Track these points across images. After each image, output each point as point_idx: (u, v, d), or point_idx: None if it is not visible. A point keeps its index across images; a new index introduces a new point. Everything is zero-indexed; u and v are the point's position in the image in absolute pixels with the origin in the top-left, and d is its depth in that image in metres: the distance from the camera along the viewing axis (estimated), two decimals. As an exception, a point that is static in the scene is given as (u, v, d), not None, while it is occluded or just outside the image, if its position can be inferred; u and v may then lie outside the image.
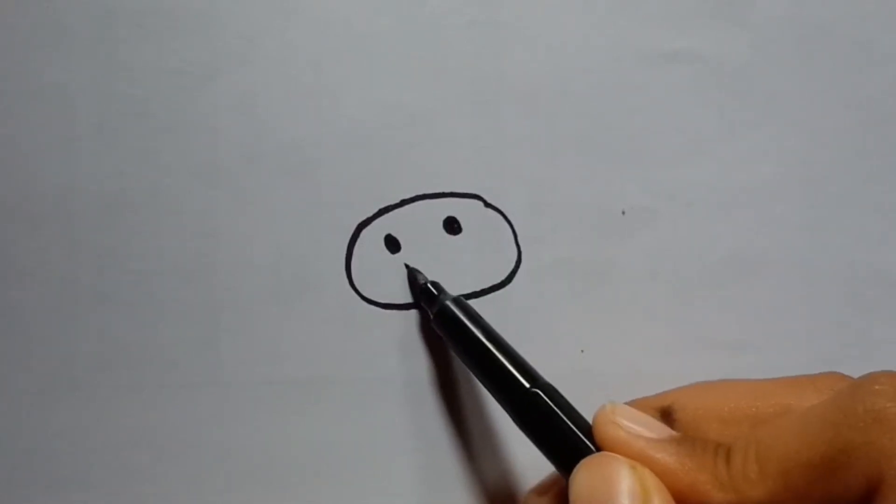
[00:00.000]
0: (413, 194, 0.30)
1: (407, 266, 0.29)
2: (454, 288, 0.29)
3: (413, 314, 0.29)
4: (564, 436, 0.24)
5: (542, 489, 0.27)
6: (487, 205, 0.30)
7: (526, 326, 0.30)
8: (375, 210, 0.29)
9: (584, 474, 0.22)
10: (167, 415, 0.29)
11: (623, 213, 0.30)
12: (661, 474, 0.21)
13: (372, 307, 0.29)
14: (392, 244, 0.29)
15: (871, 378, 0.21)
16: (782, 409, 0.23)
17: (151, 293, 0.29)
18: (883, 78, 0.32)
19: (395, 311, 0.29)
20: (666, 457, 0.22)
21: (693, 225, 0.31)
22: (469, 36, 0.30)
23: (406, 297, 0.29)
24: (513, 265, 0.30)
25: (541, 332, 0.30)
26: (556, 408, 0.24)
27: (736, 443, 0.21)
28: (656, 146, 0.31)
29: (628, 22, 0.31)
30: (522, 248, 0.30)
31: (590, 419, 0.24)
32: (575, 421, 0.24)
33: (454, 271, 0.30)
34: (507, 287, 0.30)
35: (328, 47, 0.29)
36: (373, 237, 0.29)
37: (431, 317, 0.28)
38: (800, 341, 0.31)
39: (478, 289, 0.30)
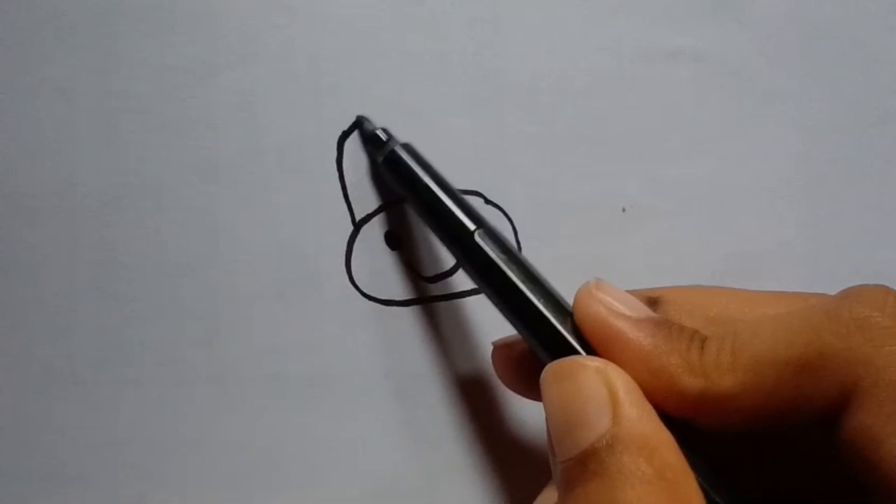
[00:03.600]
0: (413, 191, 0.30)
1: (357, 118, 0.29)
2: (455, 285, 0.29)
3: (414, 310, 0.29)
4: (508, 281, 0.24)
5: (509, 345, 0.26)
6: (488, 202, 0.30)
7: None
8: (375, 206, 0.29)
9: (554, 386, 0.21)
10: (167, 411, 0.29)
11: (623, 210, 0.30)
12: (634, 354, 0.21)
13: (372, 303, 0.29)
14: (392, 240, 0.29)
15: (859, 288, 0.20)
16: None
17: (151, 290, 0.29)
18: (883, 78, 0.32)
19: (395, 308, 0.29)
20: (641, 337, 0.21)
21: (693, 223, 0.31)
22: (469, 33, 0.30)
23: (407, 292, 0.29)
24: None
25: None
26: (493, 252, 0.25)
27: (713, 334, 0.21)
28: (657, 144, 0.31)
29: (629, 20, 0.31)
30: (523, 245, 0.30)
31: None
32: (517, 263, 0.24)
33: (454, 268, 0.30)
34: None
35: (328, 45, 0.29)
36: (373, 234, 0.29)
37: (379, 163, 0.28)
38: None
39: (478, 286, 0.30)
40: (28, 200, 0.29)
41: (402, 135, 0.28)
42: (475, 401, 0.30)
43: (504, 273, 0.24)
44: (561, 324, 0.23)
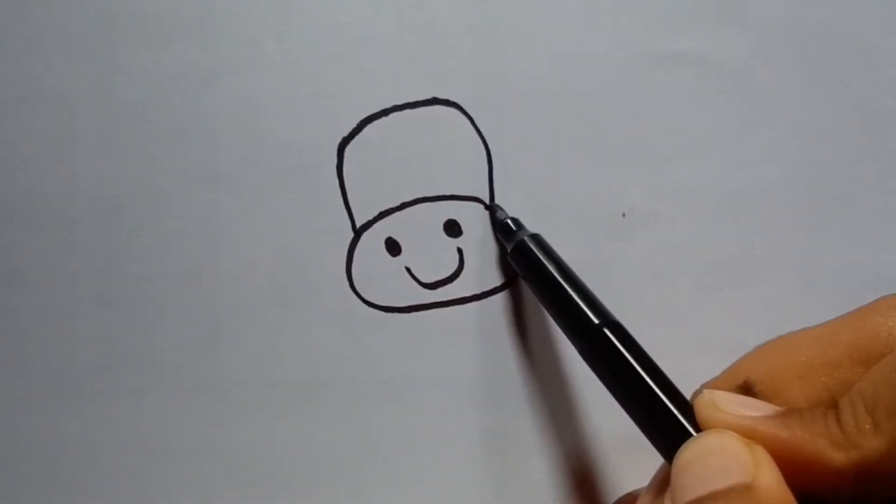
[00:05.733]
0: (413, 197, 0.30)
1: (490, 205, 0.30)
2: (455, 291, 0.30)
3: (414, 317, 0.30)
4: (632, 377, 0.24)
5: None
6: (487, 207, 0.30)
7: (526, 328, 0.30)
8: (376, 213, 0.29)
9: (696, 447, 0.22)
10: (168, 418, 0.29)
11: (623, 215, 0.30)
12: (776, 449, 0.21)
13: (373, 310, 0.29)
14: (392, 247, 0.30)
15: None
16: (851, 346, 0.23)
17: (152, 297, 0.29)
18: (883, 78, 0.31)
19: (395, 314, 0.29)
20: (777, 432, 0.21)
21: (694, 227, 0.31)
22: (469, 38, 0.30)
23: (406, 299, 0.29)
24: (514, 268, 0.30)
25: (541, 333, 0.30)
26: (621, 346, 0.25)
27: (841, 402, 0.21)
28: (657, 148, 0.31)
29: (629, 23, 0.31)
30: (523, 251, 0.30)
31: None
32: (642, 361, 0.24)
33: (455, 274, 0.30)
34: (508, 289, 0.30)
35: (327, 51, 0.29)
36: (373, 240, 0.29)
37: (509, 251, 0.29)
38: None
39: (479, 291, 0.30)
40: (28, 208, 0.29)
41: (402, 137, 0.28)
42: (476, 406, 0.30)
43: (633, 367, 0.24)
44: (690, 423, 0.23)
